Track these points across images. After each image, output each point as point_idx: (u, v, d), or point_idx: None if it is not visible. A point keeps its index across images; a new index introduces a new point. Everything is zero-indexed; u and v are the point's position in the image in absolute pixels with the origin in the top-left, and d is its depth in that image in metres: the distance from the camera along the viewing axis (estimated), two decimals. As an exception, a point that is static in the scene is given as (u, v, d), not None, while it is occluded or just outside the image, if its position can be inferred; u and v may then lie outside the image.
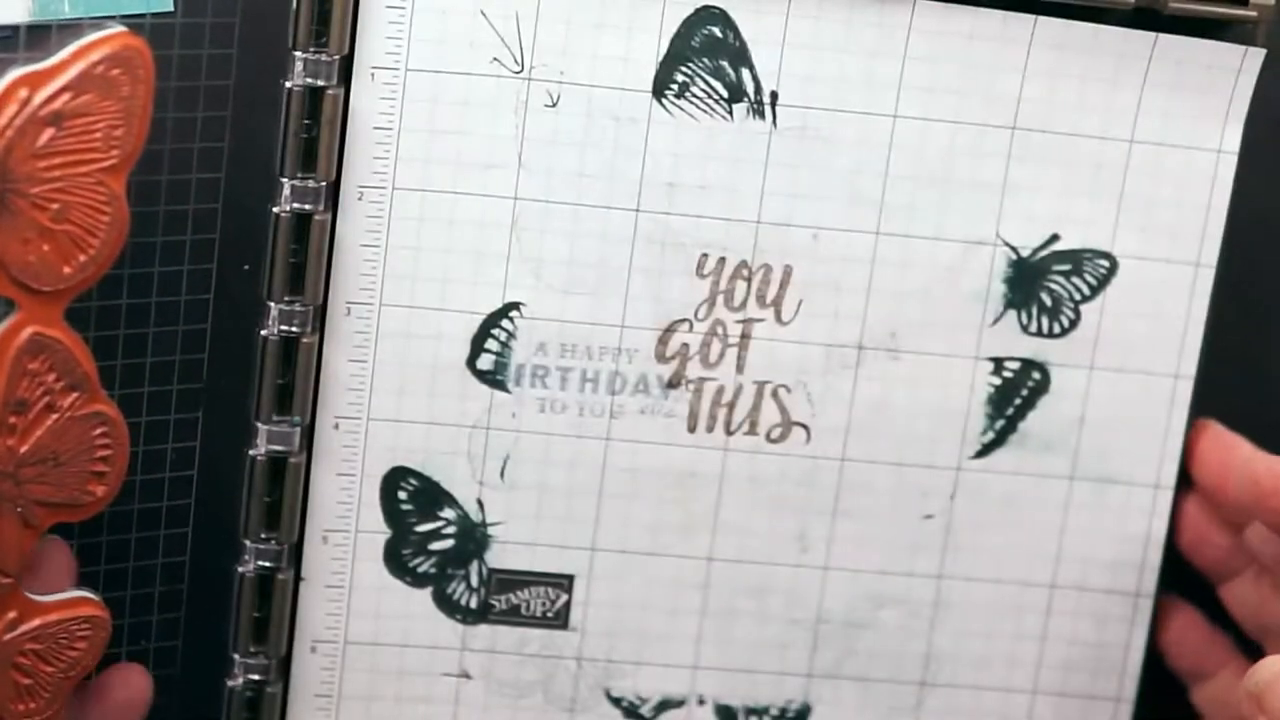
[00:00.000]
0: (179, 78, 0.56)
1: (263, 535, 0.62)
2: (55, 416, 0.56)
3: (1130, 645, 0.66)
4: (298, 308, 0.60)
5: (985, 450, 0.65)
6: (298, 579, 0.63)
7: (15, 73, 0.53)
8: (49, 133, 0.53)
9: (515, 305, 0.62)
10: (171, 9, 0.55)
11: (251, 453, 0.61)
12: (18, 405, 0.55)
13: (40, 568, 0.59)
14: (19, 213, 0.53)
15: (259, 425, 0.61)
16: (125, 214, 0.56)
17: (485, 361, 0.63)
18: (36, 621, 0.58)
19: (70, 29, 0.54)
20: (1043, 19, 0.61)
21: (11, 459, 0.56)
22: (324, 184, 0.60)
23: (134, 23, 0.54)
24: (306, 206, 0.60)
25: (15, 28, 0.53)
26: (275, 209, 0.60)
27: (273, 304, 0.60)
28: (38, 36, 0.53)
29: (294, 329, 0.61)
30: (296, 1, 0.58)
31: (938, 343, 0.63)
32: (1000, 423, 0.64)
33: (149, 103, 0.55)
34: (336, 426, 0.62)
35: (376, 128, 0.60)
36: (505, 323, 0.62)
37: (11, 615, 0.58)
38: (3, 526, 0.56)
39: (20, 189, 0.53)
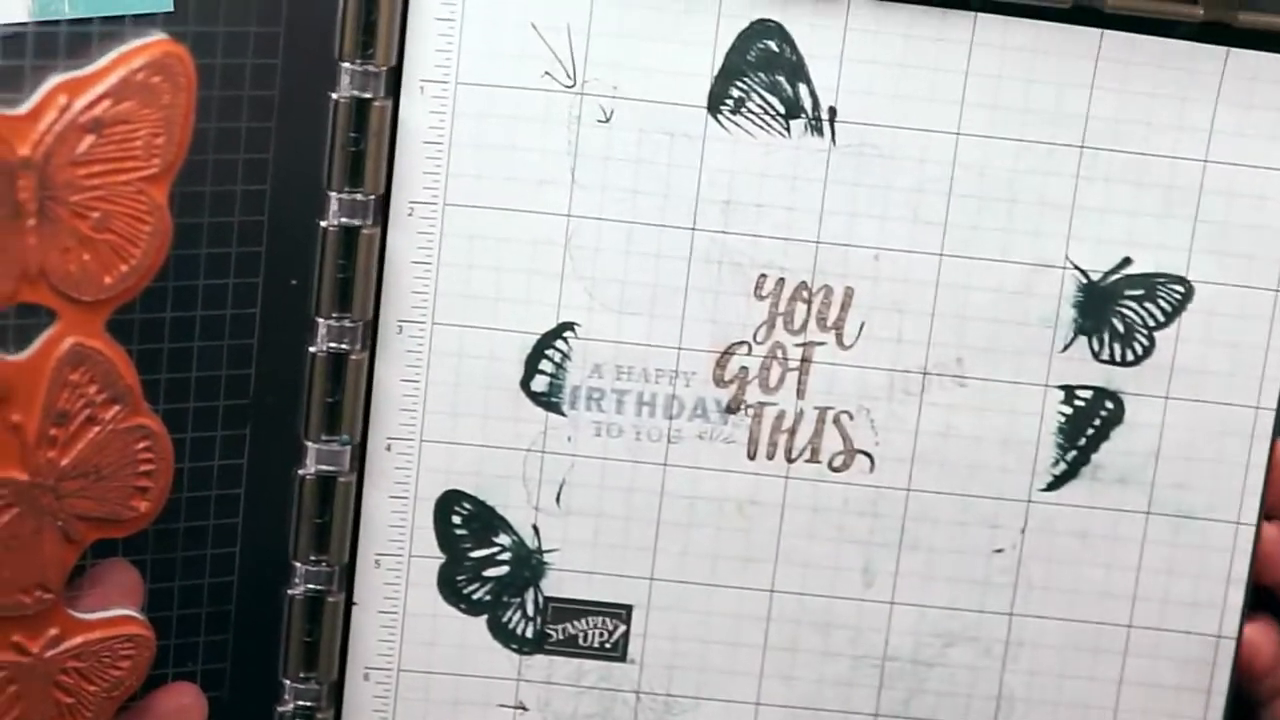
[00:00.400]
0: (222, 87, 0.56)
1: (312, 557, 0.61)
2: (97, 429, 0.56)
3: (1212, 690, 0.63)
4: (347, 324, 0.60)
5: (1057, 483, 0.62)
6: (349, 603, 0.62)
7: (55, 79, 0.53)
8: (89, 140, 0.53)
9: (570, 325, 0.61)
10: (172, 9, 0.55)
11: (300, 472, 0.60)
12: (59, 417, 0.55)
13: (102, 586, 0.58)
14: (59, 221, 0.53)
15: (308, 444, 0.60)
16: (168, 224, 0.55)
17: (540, 383, 0.62)
18: (79, 639, 0.58)
19: (112, 35, 0.54)
20: (1109, 33, 0.59)
21: (52, 472, 0.55)
22: (372, 198, 0.59)
23: (177, 30, 0.54)
24: (355, 221, 0.59)
25: (57, 33, 0.53)
26: (323, 223, 0.59)
27: (321, 320, 0.59)
28: (79, 43, 0.53)
29: (343, 346, 0.60)
30: (343, 12, 0.57)
31: (1006, 369, 0.61)
32: (1072, 454, 0.62)
33: (191, 111, 0.55)
34: (389, 447, 0.62)
35: (426, 142, 0.60)
36: (559, 343, 0.61)
37: (53, 632, 0.57)
38: (43, 541, 0.56)
39: (60, 196, 0.53)
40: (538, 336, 0.61)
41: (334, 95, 0.58)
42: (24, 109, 0.52)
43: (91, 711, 0.58)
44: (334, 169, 0.59)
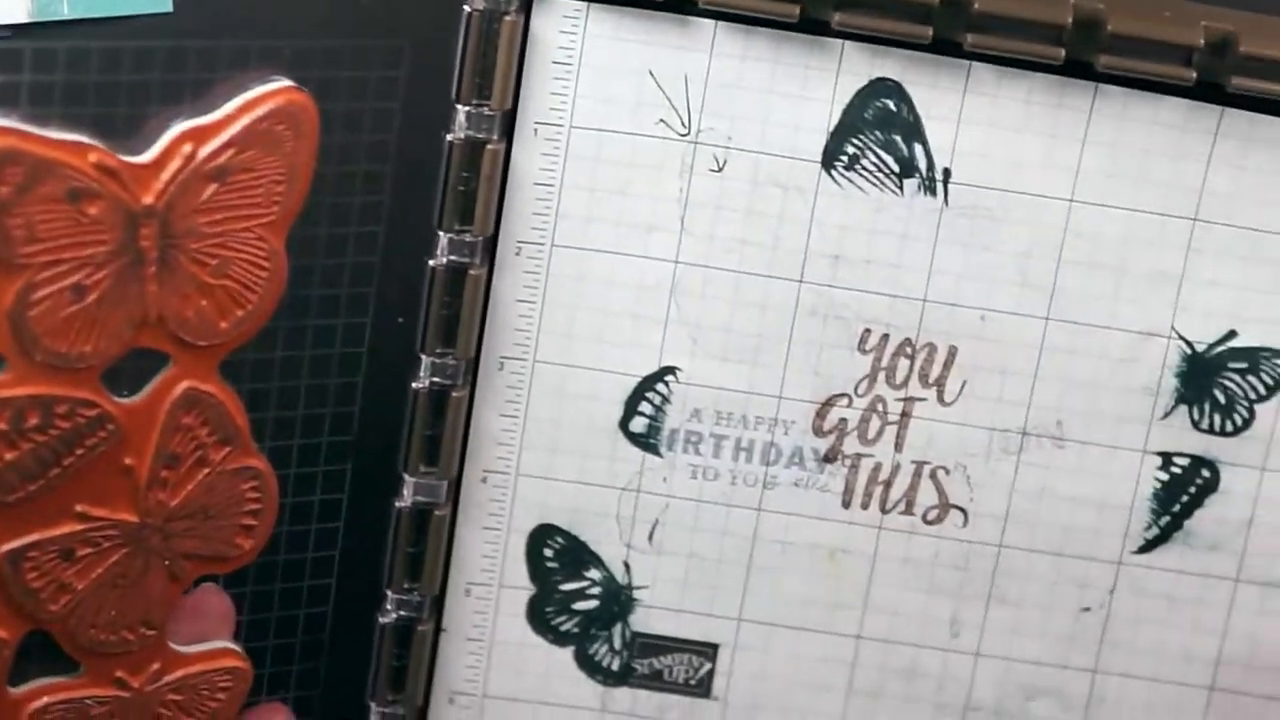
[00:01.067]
0: (342, 131, 0.56)
1: (405, 586, 0.62)
2: (206, 471, 0.56)
3: (1291, 754, 0.64)
4: (450, 360, 0.60)
5: (1149, 546, 0.62)
6: (438, 630, 0.63)
7: (179, 127, 0.53)
8: (212, 188, 0.53)
9: (671, 370, 0.61)
10: (170, 10, 0.54)
11: (398, 504, 0.61)
12: (170, 459, 0.55)
13: (198, 615, 0.59)
14: (179, 268, 0.53)
15: (406, 477, 0.61)
16: (284, 269, 0.55)
17: (638, 424, 0.62)
18: (179, 673, 0.58)
19: (236, 81, 0.53)
20: (1229, 110, 0.59)
21: (162, 513, 0.56)
22: (481, 238, 0.59)
23: (300, 77, 0.54)
24: (463, 260, 0.59)
25: (182, 80, 0.53)
26: (431, 262, 0.59)
27: (425, 356, 0.60)
28: (203, 89, 0.53)
29: (445, 381, 0.60)
30: (461, 55, 0.57)
31: (1104, 433, 0.61)
32: (1165, 519, 0.62)
33: (312, 158, 0.55)
34: (484, 480, 0.62)
35: (537, 184, 0.59)
36: (660, 386, 0.61)
37: (155, 666, 0.58)
38: (150, 579, 0.56)
39: (182, 244, 0.53)
40: (639, 379, 0.61)
41: (448, 136, 0.58)
42: (148, 157, 0.52)
43: (188, 739, 0.59)
44: (445, 209, 0.59)
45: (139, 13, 0.54)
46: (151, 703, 0.57)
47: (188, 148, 0.53)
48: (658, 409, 0.62)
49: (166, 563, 0.56)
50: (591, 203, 0.60)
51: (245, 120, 0.53)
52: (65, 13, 0.53)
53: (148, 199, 0.52)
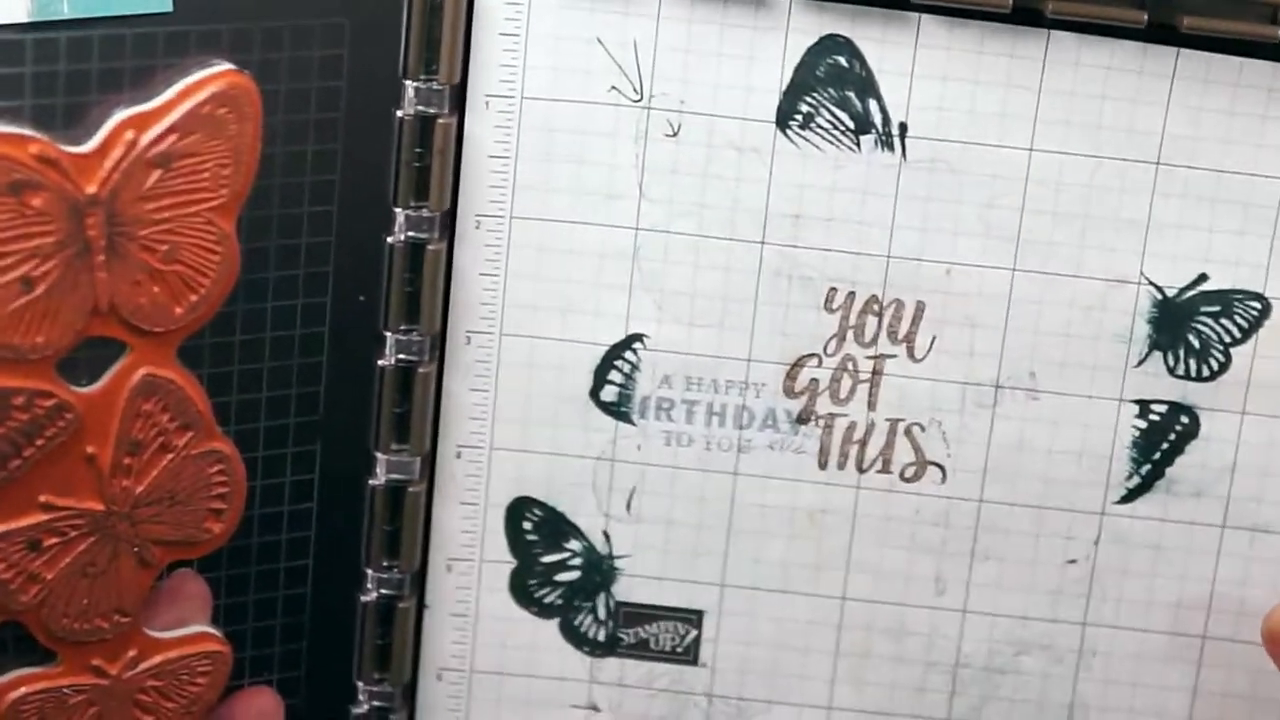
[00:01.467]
0: (287, 112, 0.56)
1: (384, 564, 0.62)
2: (170, 456, 0.56)
3: (1287, 701, 0.63)
4: (415, 337, 0.60)
5: (1131, 495, 0.62)
6: (421, 607, 0.63)
7: (121, 114, 0.53)
8: (156, 174, 0.53)
9: (638, 337, 0.61)
10: (170, 9, 0.54)
11: (372, 482, 0.61)
12: (132, 446, 0.56)
13: (175, 601, 0.59)
14: (128, 256, 0.53)
15: (378, 455, 0.61)
16: (236, 252, 0.55)
17: (609, 393, 0.62)
18: (157, 659, 0.59)
19: (176, 68, 0.53)
20: (1185, 52, 0.58)
21: (128, 500, 0.56)
22: (438, 213, 0.59)
23: (240, 60, 0.54)
24: (421, 235, 0.59)
25: (120, 69, 0.53)
26: (389, 239, 0.59)
27: (389, 334, 0.60)
28: (143, 76, 0.53)
29: (411, 358, 0.60)
30: (406, 30, 0.57)
31: (1079, 383, 0.60)
32: (1146, 468, 0.61)
33: (257, 140, 0.55)
34: (459, 455, 0.62)
35: (492, 156, 0.59)
36: (628, 354, 0.61)
37: (132, 653, 0.58)
38: (120, 566, 0.57)
39: (129, 232, 0.53)
40: (607, 348, 0.61)
41: (398, 113, 0.58)
42: (90, 146, 0.52)
43: (171, 725, 0.59)
44: (400, 186, 0.58)
45: (139, 12, 0.54)
46: (130, 689, 0.58)
47: (129, 135, 0.53)
48: (627, 377, 0.61)
49: (136, 549, 0.56)
50: (548, 173, 0.60)
51: (186, 105, 0.53)
52: (65, 12, 0.54)
53: (91, 188, 0.52)
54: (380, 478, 0.61)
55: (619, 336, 0.61)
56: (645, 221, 0.60)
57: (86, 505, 0.55)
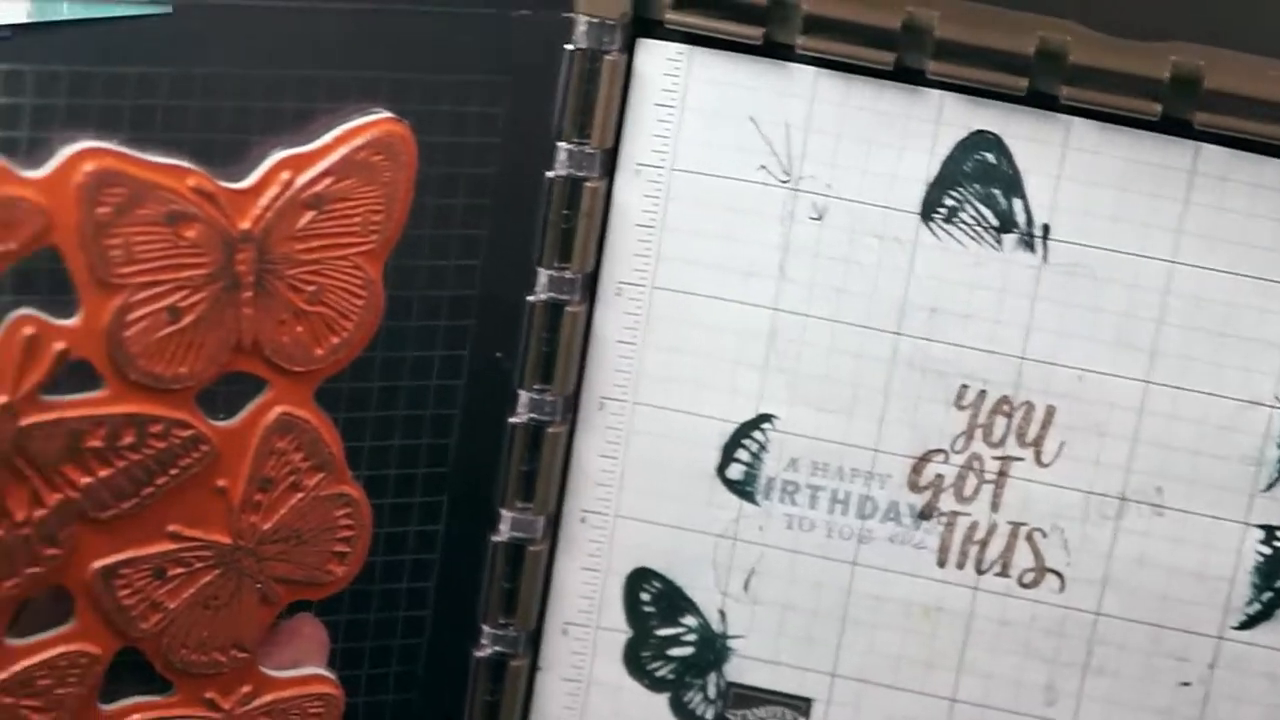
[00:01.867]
0: (440, 163, 0.57)
1: (501, 621, 0.62)
2: (300, 496, 0.57)
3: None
4: (548, 397, 0.61)
5: (1250, 622, 0.61)
6: (534, 668, 0.64)
7: (278, 155, 0.55)
8: (309, 215, 0.55)
9: (768, 417, 0.61)
10: (170, 11, 0.56)
11: (494, 538, 0.62)
12: (263, 483, 0.57)
13: (292, 640, 0.60)
14: (275, 294, 0.55)
15: (503, 512, 0.61)
16: (381, 298, 0.56)
17: (735, 471, 0.62)
18: (270, 697, 0.59)
19: (336, 113, 0.55)
20: (1338, 173, 0.58)
21: (255, 535, 0.57)
22: (580, 276, 0.60)
23: (400, 109, 0.55)
24: (562, 297, 0.60)
25: (283, 110, 0.55)
26: (530, 298, 0.60)
27: (523, 392, 0.60)
28: (302, 118, 0.55)
29: (543, 417, 0.61)
30: (563, 94, 0.58)
31: (1205, 503, 0.60)
32: (1268, 595, 0.60)
33: (410, 189, 0.56)
34: (583, 520, 0.62)
35: (638, 224, 0.60)
36: (757, 434, 0.61)
37: (246, 689, 0.59)
38: (243, 602, 0.58)
39: (278, 270, 0.55)
40: (737, 425, 0.62)
41: (549, 173, 0.59)
42: (246, 183, 0.54)
43: (278, 763, 0.60)
44: (545, 246, 0.60)
45: (138, 13, 0.56)
46: (242, 726, 0.59)
47: (286, 175, 0.54)
48: (754, 456, 0.62)
49: (259, 586, 0.57)
50: (692, 246, 0.60)
51: (343, 150, 0.54)
52: (64, 13, 0.56)
53: (245, 224, 0.54)
54: (503, 534, 0.62)
55: (749, 415, 0.61)
56: (784, 302, 0.60)
57: (214, 538, 0.56)
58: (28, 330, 0.53)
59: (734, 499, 0.62)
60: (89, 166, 0.53)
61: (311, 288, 0.56)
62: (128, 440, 0.55)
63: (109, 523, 0.55)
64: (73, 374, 0.54)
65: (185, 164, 0.54)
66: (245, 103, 0.55)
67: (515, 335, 0.60)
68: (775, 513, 0.62)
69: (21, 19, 0.55)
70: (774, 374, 0.61)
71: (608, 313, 0.61)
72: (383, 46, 0.56)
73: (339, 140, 0.55)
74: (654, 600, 0.63)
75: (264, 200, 0.55)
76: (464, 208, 0.58)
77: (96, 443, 0.54)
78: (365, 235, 0.56)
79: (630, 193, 0.60)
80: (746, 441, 0.62)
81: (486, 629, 0.62)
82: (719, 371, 0.61)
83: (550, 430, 0.61)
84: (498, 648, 0.63)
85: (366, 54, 0.56)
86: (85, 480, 0.55)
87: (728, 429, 0.62)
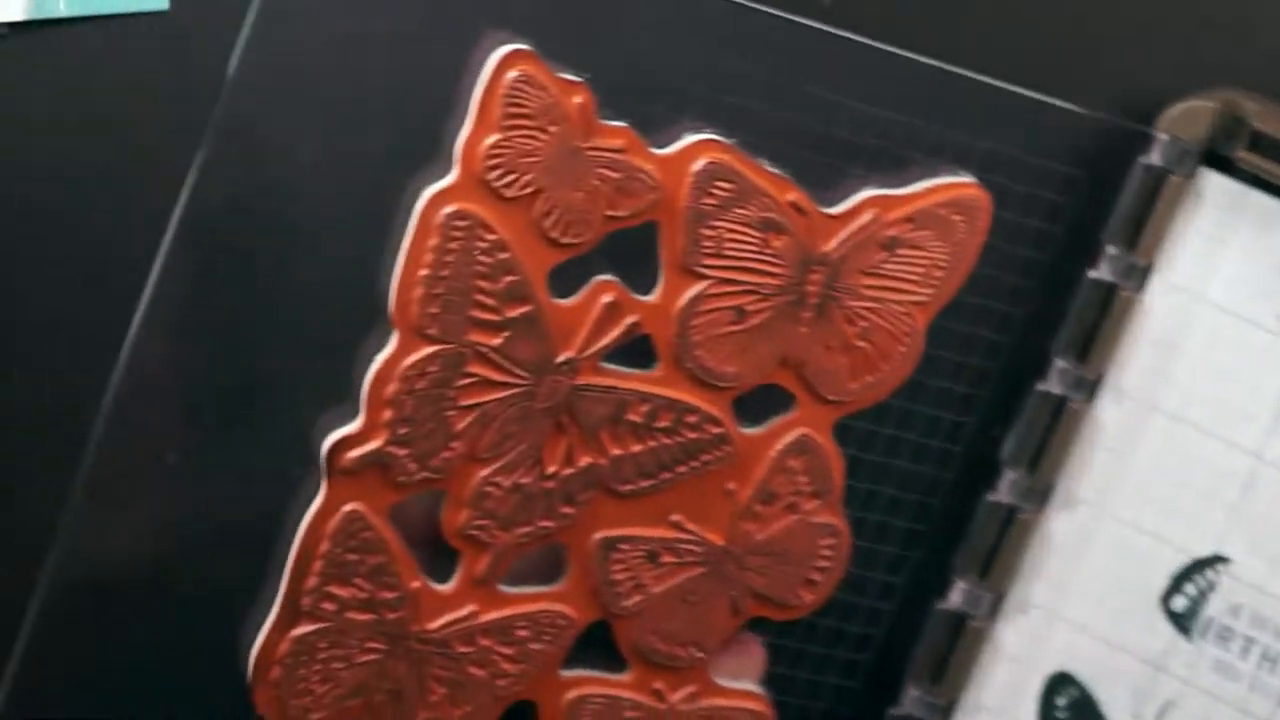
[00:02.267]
0: (1004, 239, 0.59)
1: (928, 685, 0.63)
2: (794, 517, 0.59)
3: None
4: (1029, 484, 0.62)
5: None
6: (940, 739, 0.65)
7: (871, 191, 0.57)
8: (881, 255, 0.57)
9: (1224, 559, 0.62)
10: (167, 8, 0.58)
11: (940, 605, 0.63)
12: (766, 496, 0.58)
13: (740, 655, 0.61)
14: (832, 321, 0.57)
15: (956, 581, 0.63)
16: (919, 350, 0.58)
17: (1178, 603, 0.63)
18: (708, 702, 0.60)
19: (928, 165, 0.57)
20: None
21: (745, 544, 0.59)
22: (1092, 377, 0.61)
23: (984, 179, 0.57)
24: (1069, 393, 0.62)
25: (886, 151, 0.57)
26: (1040, 386, 0.62)
27: (1008, 472, 0.62)
28: (898, 164, 0.57)
29: (1016, 502, 0.62)
30: (1128, 203, 0.60)
31: None
32: None
33: (975, 255, 0.58)
34: (1024, 610, 0.63)
35: (1155, 340, 0.62)
36: (1210, 572, 0.62)
37: (691, 690, 0.60)
38: (716, 605, 0.59)
39: (840, 300, 0.57)
40: (1192, 559, 0.63)
41: (1091, 273, 0.61)
42: (836, 210, 0.56)
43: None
44: (1067, 340, 0.61)
45: (136, 11, 0.58)
46: (682, 720, 0.60)
47: (872, 212, 0.56)
48: (1200, 594, 0.63)
49: (733, 594, 0.59)
50: (1198, 375, 0.62)
51: (927, 202, 0.57)
52: (62, 10, 0.58)
53: (825, 248, 0.56)
54: (951, 603, 0.63)
55: (1206, 552, 0.63)
56: (1269, 454, 0.62)
57: (710, 537, 0.58)
58: (608, 296, 0.56)
59: (1170, 629, 0.63)
60: (707, 158, 0.56)
61: (864, 324, 0.58)
62: (664, 423, 0.57)
63: (624, 497, 0.58)
64: (629, 349, 0.57)
65: (788, 178, 0.56)
66: (854, 136, 0.57)
67: (1013, 417, 0.62)
68: (1206, 653, 0.63)
69: (19, 16, 0.57)
70: (1241, 519, 0.62)
71: (1104, 416, 0.63)
72: (978, 115, 0.58)
73: (928, 193, 0.58)
74: (1069, 707, 0.64)
75: (848, 230, 0.57)
76: (1011, 286, 0.60)
77: (636, 418, 0.57)
78: (924, 287, 0.58)
79: (1157, 309, 0.62)
80: (1197, 577, 0.63)
81: (911, 690, 0.63)
82: (1189, 503, 0.62)
83: (1021, 516, 0.62)
84: (915, 713, 0.64)
85: (963, 118, 0.58)
86: (616, 451, 0.57)
87: (1182, 560, 0.63)
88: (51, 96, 0.58)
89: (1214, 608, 0.63)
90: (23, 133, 0.58)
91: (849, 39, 0.57)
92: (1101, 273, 0.61)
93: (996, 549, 0.63)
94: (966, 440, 0.62)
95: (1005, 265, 0.60)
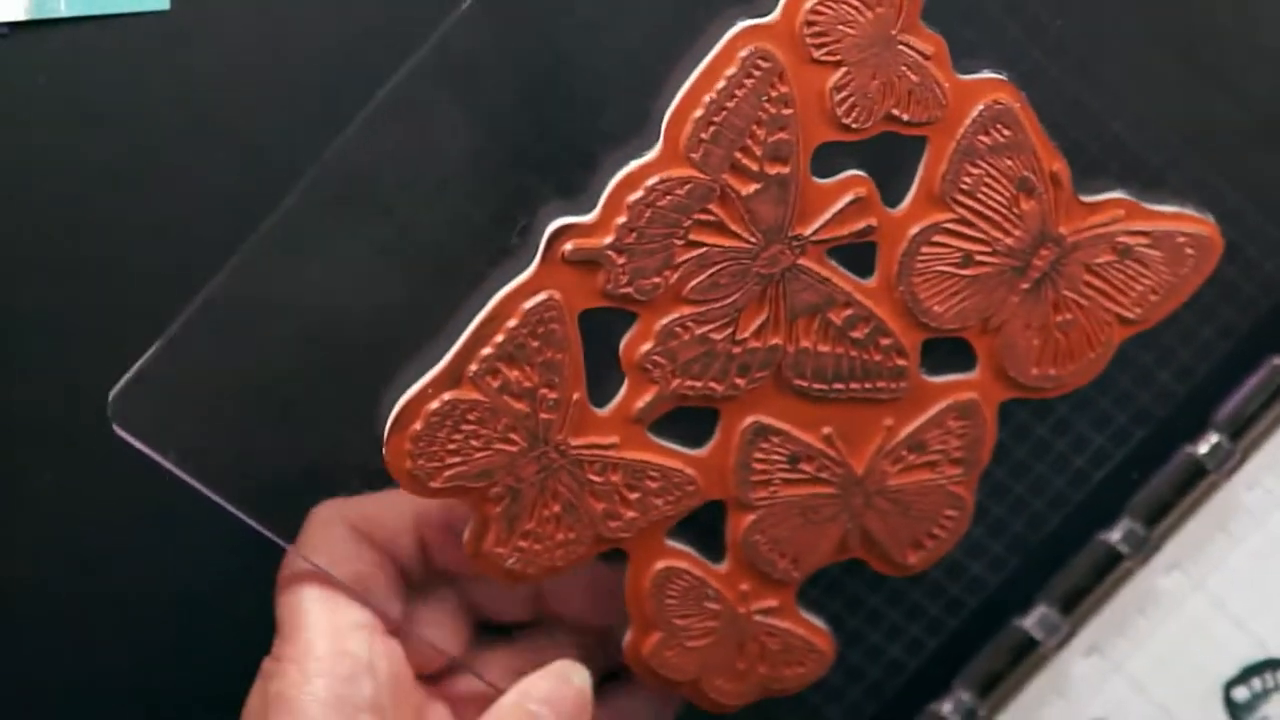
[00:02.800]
0: (1225, 289, 0.61)
1: (975, 694, 0.63)
2: (932, 476, 0.59)
3: None
4: (1148, 537, 0.63)
5: None
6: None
7: (1121, 194, 0.58)
8: (1109, 258, 0.58)
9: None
10: (167, 8, 0.59)
11: (1017, 621, 0.63)
12: (916, 445, 0.59)
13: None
14: (1041, 301, 0.58)
15: (1039, 604, 0.63)
16: (1104, 364, 0.59)
17: (1240, 694, 0.64)
18: (778, 622, 0.60)
19: (1180, 190, 0.58)
20: None
21: (879, 482, 0.59)
22: (1240, 454, 0.62)
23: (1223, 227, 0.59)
24: (1213, 466, 0.62)
25: (1148, 161, 0.58)
26: (1190, 449, 0.62)
27: (1128, 519, 0.62)
28: (1156, 176, 0.58)
29: (1128, 550, 0.62)
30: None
31: None
32: None
33: (1190, 293, 0.59)
34: (1090, 654, 0.63)
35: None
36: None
37: (770, 603, 0.60)
38: (828, 530, 0.59)
39: (1056, 284, 0.57)
40: (1268, 657, 0.63)
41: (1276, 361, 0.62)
42: (1090, 199, 0.57)
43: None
44: (1232, 412, 0.63)
45: (137, 11, 0.59)
46: (746, 630, 0.60)
47: (1119, 213, 0.57)
48: (1265, 691, 0.64)
49: (849, 527, 0.59)
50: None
51: (1170, 225, 0.58)
52: (63, 10, 0.59)
53: (1063, 229, 0.57)
54: (1027, 622, 0.63)
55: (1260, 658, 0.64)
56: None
57: (850, 463, 0.58)
58: (859, 191, 0.56)
59: (1224, 717, 0.63)
60: (998, 98, 0.56)
61: (1069, 316, 0.58)
62: (858, 334, 0.57)
63: (792, 392, 0.58)
64: (852, 252, 0.57)
65: (1056, 149, 0.57)
66: (1126, 135, 0.58)
67: (1155, 468, 0.63)
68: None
69: (20, 16, 0.59)
70: None
71: (1240, 497, 0.63)
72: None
73: (1174, 217, 0.59)
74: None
75: (1091, 221, 0.58)
76: (1204, 339, 0.62)
77: (835, 319, 0.57)
78: (1135, 306, 0.59)
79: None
80: (1267, 675, 0.63)
81: (958, 693, 0.63)
82: (1281, 602, 0.64)
83: (1124, 564, 0.62)
84: (951, 714, 0.63)
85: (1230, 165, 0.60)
86: (805, 344, 0.57)
87: (1257, 655, 0.63)
88: (52, 96, 0.59)
89: (1273, 709, 0.64)
90: (23, 132, 0.59)
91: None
92: (1281, 362, 0.63)
93: (1089, 587, 0.63)
94: (1107, 471, 0.62)
95: (1205, 317, 0.61)
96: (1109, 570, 0.63)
